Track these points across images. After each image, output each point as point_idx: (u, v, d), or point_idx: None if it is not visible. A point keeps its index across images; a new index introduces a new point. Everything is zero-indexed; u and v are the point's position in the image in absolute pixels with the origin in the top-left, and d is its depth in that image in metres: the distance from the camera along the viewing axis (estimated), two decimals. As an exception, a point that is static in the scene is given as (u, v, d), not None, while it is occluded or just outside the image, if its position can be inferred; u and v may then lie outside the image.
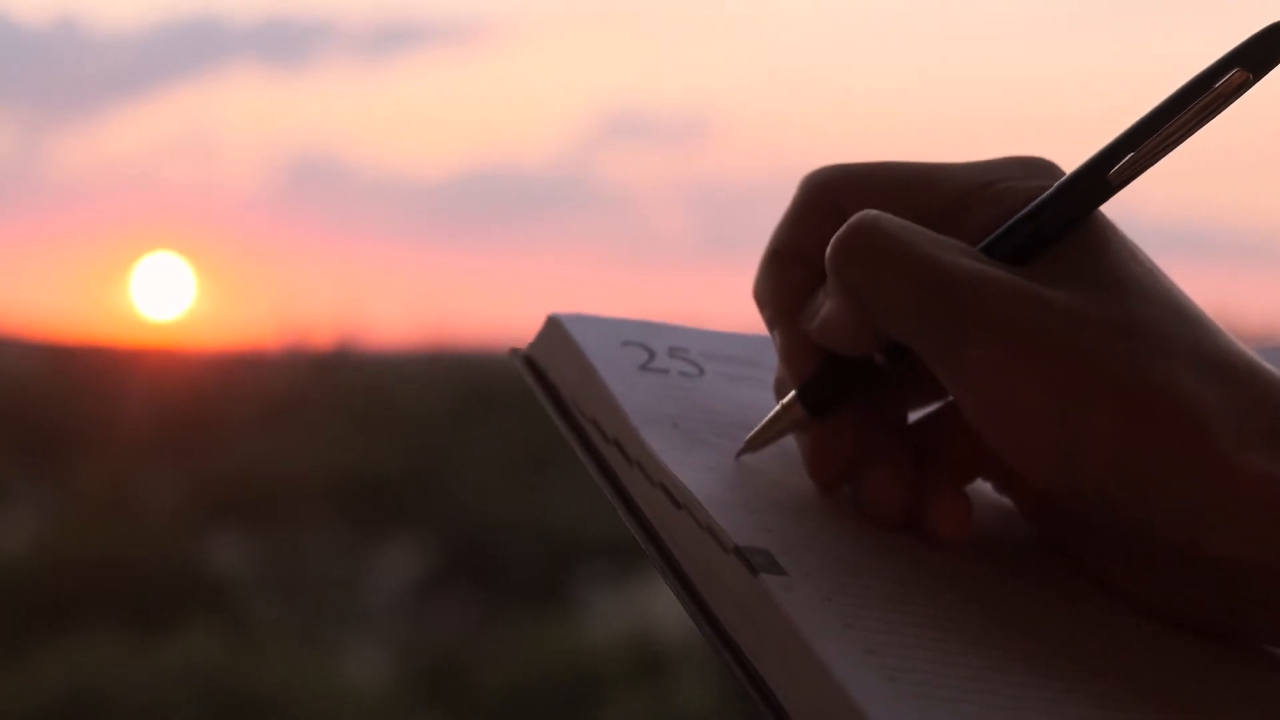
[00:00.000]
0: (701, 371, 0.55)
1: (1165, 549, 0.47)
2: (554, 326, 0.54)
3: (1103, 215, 0.49)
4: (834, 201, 0.51)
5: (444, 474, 5.37)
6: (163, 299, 7.16)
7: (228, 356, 7.08)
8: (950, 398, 0.52)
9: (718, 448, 0.52)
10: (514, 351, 0.55)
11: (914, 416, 0.53)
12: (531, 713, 3.98)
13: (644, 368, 0.54)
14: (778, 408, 0.51)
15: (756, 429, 0.52)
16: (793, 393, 0.51)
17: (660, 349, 0.55)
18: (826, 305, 0.49)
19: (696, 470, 0.50)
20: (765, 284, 0.52)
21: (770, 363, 0.56)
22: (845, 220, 0.49)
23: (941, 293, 0.47)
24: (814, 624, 0.45)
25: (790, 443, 0.53)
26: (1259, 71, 0.47)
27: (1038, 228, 0.48)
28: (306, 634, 4.50)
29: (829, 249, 0.48)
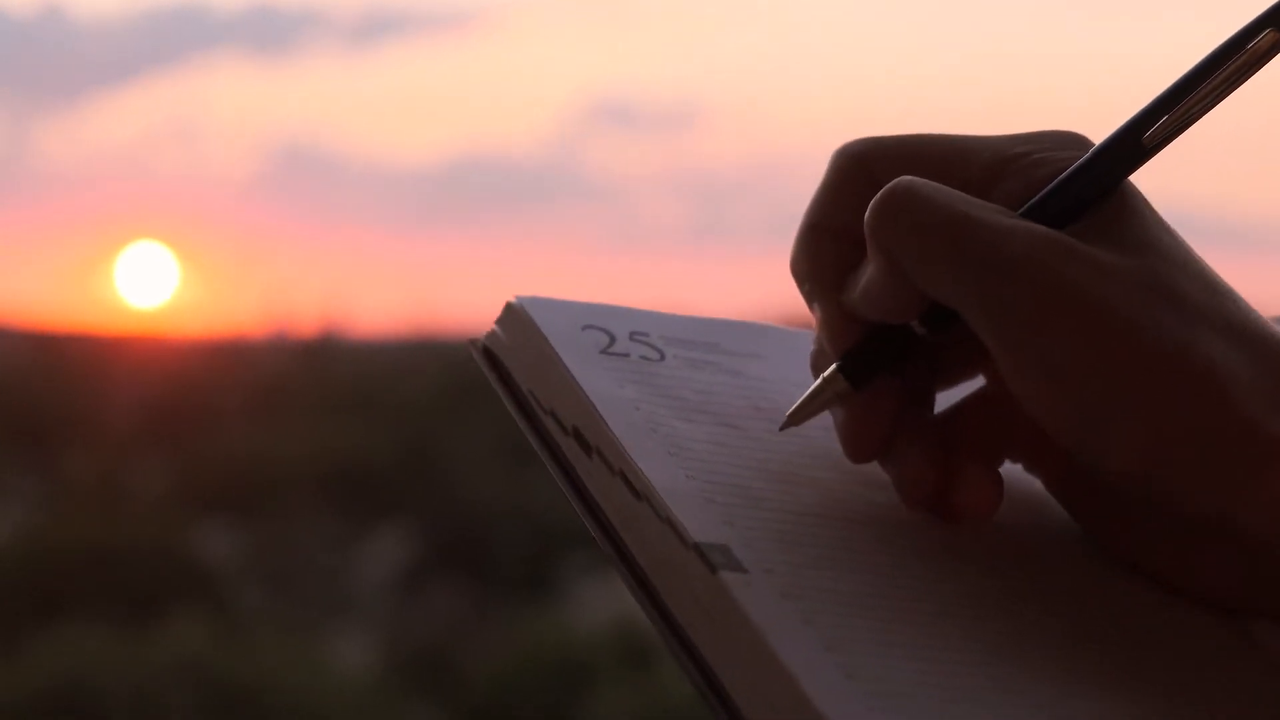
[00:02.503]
0: (662, 356, 0.55)
1: (1194, 519, 0.47)
2: (513, 311, 0.54)
3: (1135, 188, 0.49)
4: (868, 173, 0.50)
5: (431, 463, 5.37)
6: (147, 287, 7.16)
7: (213, 345, 7.07)
8: (979, 383, 0.52)
9: (678, 432, 0.51)
10: (472, 342, 0.54)
11: (941, 397, 0.53)
12: (519, 700, 3.98)
13: (605, 351, 0.53)
14: (819, 381, 0.51)
15: (798, 402, 0.51)
16: (834, 365, 0.51)
17: (621, 333, 0.55)
18: (867, 272, 0.49)
19: (658, 457, 0.49)
20: (802, 258, 0.52)
21: (730, 346, 0.56)
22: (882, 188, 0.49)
23: (983, 249, 0.47)
24: (772, 621, 0.44)
25: (751, 425, 0.53)
26: None
27: (1075, 192, 0.48)
28: (294, 622, 4.50)
29: (867, 213, 0.48)
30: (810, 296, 0.52)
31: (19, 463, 5.60)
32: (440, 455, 5.38)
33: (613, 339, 0.54)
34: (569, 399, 0.51)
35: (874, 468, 0.52)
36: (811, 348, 0.54)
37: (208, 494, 5.22)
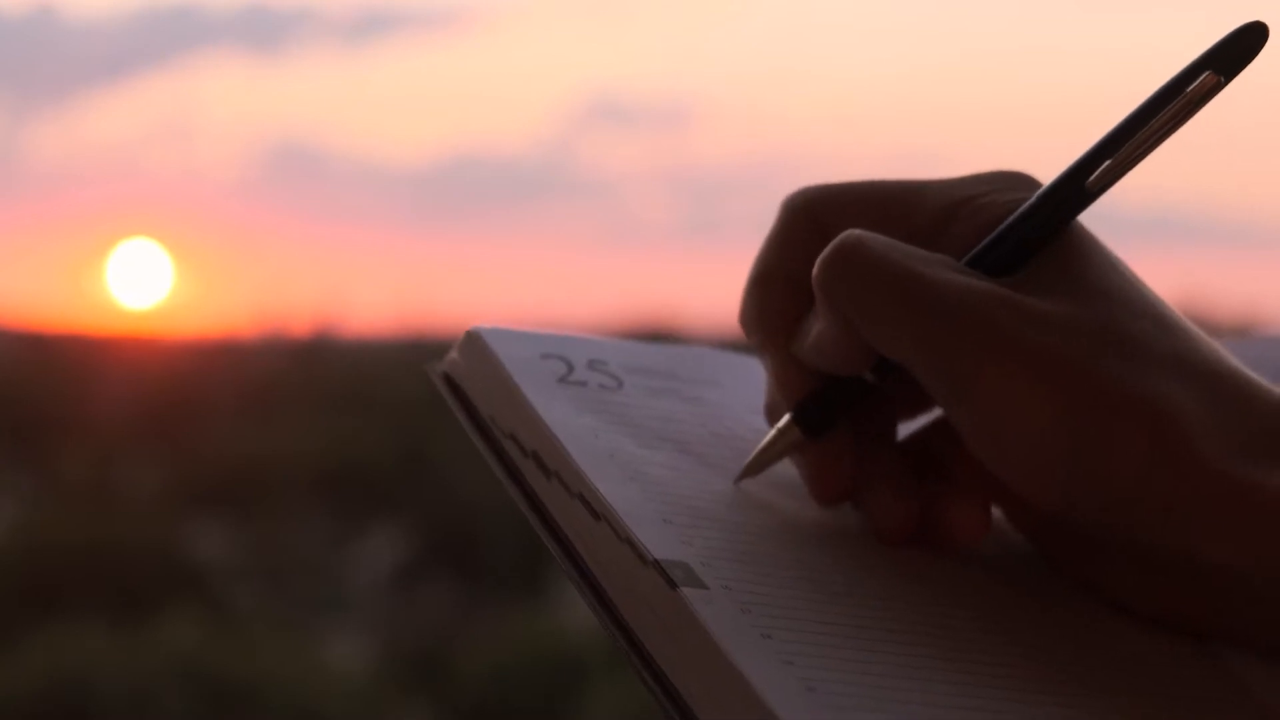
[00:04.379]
0: (621, 384, 0.55)
1: (1157, 558, 0.47)
2: (473, 340, 0.54)
3: (1083, 227, 0.49)
4: (817, 222, 0.51)
5: (425, 461, 5.37)
6: (140, 286, 7.15)
7: (206, 344, 7.07)
8: (936, 413, 0.52)
9: (637, 458, 0.51)
10: (431, 368, 0.55)
11: (902, 428, 0.53)
12: (512, 697, 3.99)
13: (563, 380, 0.54)
14: (773, 432, 0.52)
15: (754, 454, 0.52)
16: (788, 416, 0.51)
17: (579, 362, 0.55)
18: (817, 327, 0.50)
19: (616, 481, 0.50)
20: (752, 309, 0.52)
21: (687, 374, 0.57)
22: (829, 241, 0.49)
23: (929, 308, 0.47)
24: (732, 636, 0.44)
25: (709, 451, 0.53)
26: (1230, 74, 0.47)
27: (1020, 239, 0.48)
28: (289, 621, 4.50)
29: (815, 271, 0.48)
30: (761, 347, 0.52)
31: (13, 461, 5.60)
32: (434, 454, 5.38)
33: (571, 368, 0.54)
34: (528, 426, 0.52)
35: None
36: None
37: (202, 492, 5.22)
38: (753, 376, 0.57)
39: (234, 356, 6.82)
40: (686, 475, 0.52)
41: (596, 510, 0.49)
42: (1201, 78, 0.47)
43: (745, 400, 0.56)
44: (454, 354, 0.54)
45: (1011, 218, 0.49)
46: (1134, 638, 0.49)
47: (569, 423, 0.51)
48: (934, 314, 0.47)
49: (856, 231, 0.48)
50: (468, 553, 4.90)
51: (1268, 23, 0.48)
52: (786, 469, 0.52)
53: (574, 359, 0.55)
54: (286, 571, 4.80)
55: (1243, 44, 0.47)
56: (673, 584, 0.46)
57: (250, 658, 3.93)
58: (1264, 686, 0.48)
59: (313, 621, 4.51)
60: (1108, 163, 0.48)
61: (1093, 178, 0.48)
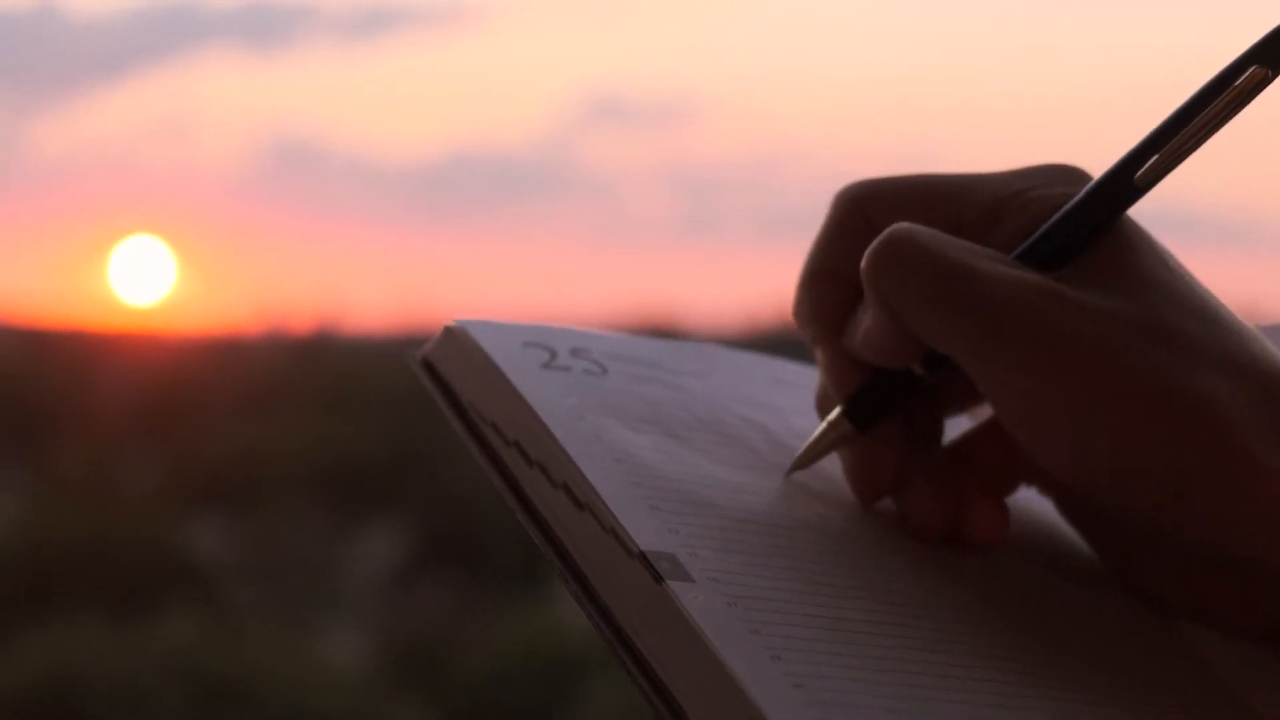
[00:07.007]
0: (605, 370, 0.55)
1: (1198, 552, 0.47)
2: (454, 330, 0.54)
3: (1133, 221, 0.49)
4: (867, 217, 0.51)
5: (424, 459, 5.38)
6: (142, 283, 7.16)
7: (207, 341, 7.08)
8: (989, 413, 0.52)
9: (624, 440, 0.51)
10: (411, 354, 0.54)
11: (949, 422, 0.53)
12: (510, 695, 3.99)
13: (547, 366, 0.53)
14: (823, 425, 0.52)
15: (803, 448, 0.52)
16: (838, 409, 0.51)
17: (562, 350, 0.55)
18: (866, 319, 0.50)
19: (602, 464, 0.49)
20: (804, 303, 0.52)
21: (672, 365, 0.57)
22: (878, 235, 0.49)
23: (976, 300, 0.47)
24: (720, 631, 0.44)
25: (696, 436, 0.53)
26: (1277, 67, 0.47)
27: (1068, 233, 0.49)
28: (287, 618, 4.50)
29: (864, 262, 0.49)
30: (812, 341, 0.52)
31: (11, 457, 5.61)
32: (433, 451, 5.38)
33: (554, 355, 0.54)
34: (511, 410, 0.51)
35: (823, 482, 0.52)
36: (754, 368, 0.55)
37: (200, 489, 5.23)
38: (737, 368, 0.57)
39: (235, 353, 6.83)
40: (673, 459, 0.51)
41: (580, 500, 0.48)
42: (1249, 72, 0.47)
43: (730, 390, 0.56)
44: (435, 343, 0.54)
45: (1059, 213, 0.49)
46: (1140, 629, 0.49)
47: (554, 405, 0.51)
48: (981, 306, 0.47)
49: (905, 224, 0.49)
50: (466, 550, 4.91)
51: (1269, 21, 0.48)
52: (775, 453, 0.53)
53: (556, 347, 0.54)
54: (284, 568, 4.81)
55: None
56: (658, 577, 0.45)
57: (247, 655, 3.93)
58: None
59: (310, 618, 4.52)
60: (1155, 157, 0.48)
61: (1140, 172, 0.49)
